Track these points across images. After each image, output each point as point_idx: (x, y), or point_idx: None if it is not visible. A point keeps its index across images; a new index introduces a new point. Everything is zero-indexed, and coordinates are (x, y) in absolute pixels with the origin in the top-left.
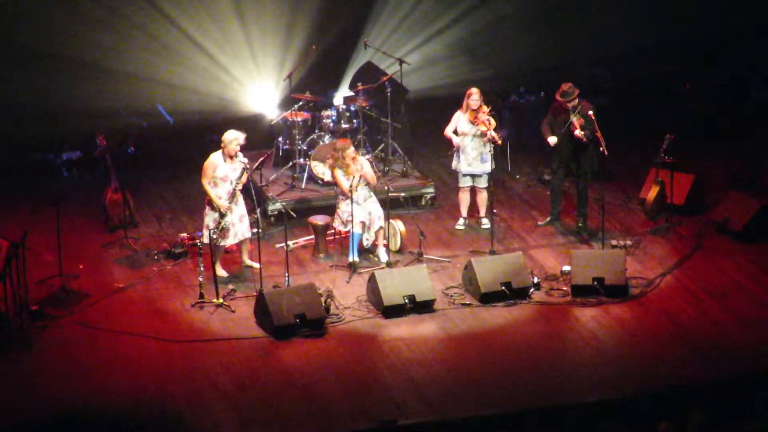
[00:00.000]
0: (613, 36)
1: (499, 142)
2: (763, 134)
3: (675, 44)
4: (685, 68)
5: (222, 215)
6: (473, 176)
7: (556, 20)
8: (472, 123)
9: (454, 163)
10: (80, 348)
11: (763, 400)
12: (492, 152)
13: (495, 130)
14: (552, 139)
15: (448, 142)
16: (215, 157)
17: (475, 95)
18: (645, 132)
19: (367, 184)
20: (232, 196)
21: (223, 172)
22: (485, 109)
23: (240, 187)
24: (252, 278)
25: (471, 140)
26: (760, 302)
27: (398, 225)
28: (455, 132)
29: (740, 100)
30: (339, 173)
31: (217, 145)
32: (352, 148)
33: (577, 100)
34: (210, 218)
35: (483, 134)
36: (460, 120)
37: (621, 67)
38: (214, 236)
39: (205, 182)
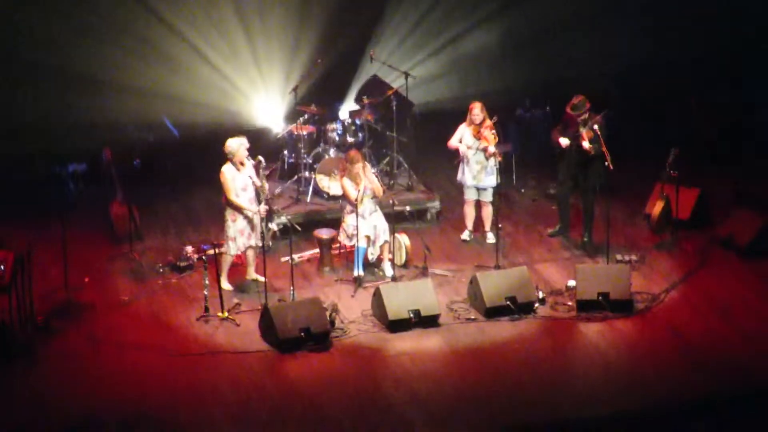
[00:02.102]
0: (621, 50)
1: (500, 158)
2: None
3: (682, 60)
4: (692, 85)
5: (260, 219)
6: (478, 189)
7: (563, 33)
8: (476, 137)
9: (459, 176)
10: (85, 360)
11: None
12: (497, 166)
13: (497, 145)
14: (564, 140)
15: (454, 153)
16: (229, 170)
17: (476, 109)
18: (650, 146)
19: (374, 196)
20: (260, 199)
21: (242, 181)
22: (488, 123)
23: (266, 186)
24: (257, 292)
25: (475, 154)
26: (765, 318)
27: (403, 239)
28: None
29: (746, 117)
30: (347, 182)
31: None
32: (360, 164)
33: (587, 114)
34: (233, 229)
35: (484, 149)
36: (464, 134)
37: (628, 81)
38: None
39: (232, 196)
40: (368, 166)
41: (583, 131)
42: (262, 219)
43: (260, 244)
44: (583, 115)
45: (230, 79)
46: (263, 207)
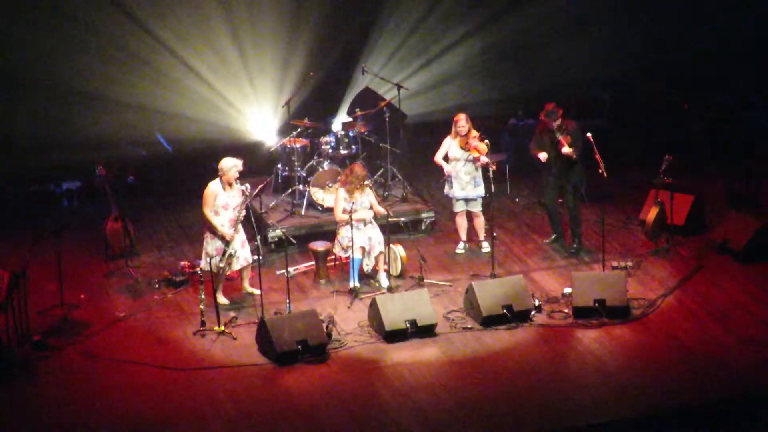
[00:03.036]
0: (612, 57)
1: (494, 167)
2: (761, 154)
3: (673, 65)
4: (683, 89)
5: (227, 243)
6: (467, 200)
7: (554, 42)
8: (463, 149)
9: (446, 189)
10: (83, 377)
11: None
12: (492, 176)
13: (488, 154)
14: (543, 155)
15: (441, 169)
16: (215, 186)
17: (462, 121)
18: (644, 153)
19: (373, 215)
20: (236, 224)
21: (224, 200)
22: (474, 133)
23: (243, 214)
24: (253, 305)
25: (463, 165)
26: (762, 322)
27: (399, 250)
28: (446, 158)
29: (738, 120)
30: (341, 193)
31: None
32: (365, 182)
33: (561, 120)
34: (212, 246)
35: (476, 160)
36: (450, 146)
37: (620, 88)
38: (222, 265)
39: (207, 211)
40: (370, 193)
41: (560, 137)
42: (228, 242)
43: (242, 264)
44: (556, 121)
45: (223, 94)
46: (228, 232)
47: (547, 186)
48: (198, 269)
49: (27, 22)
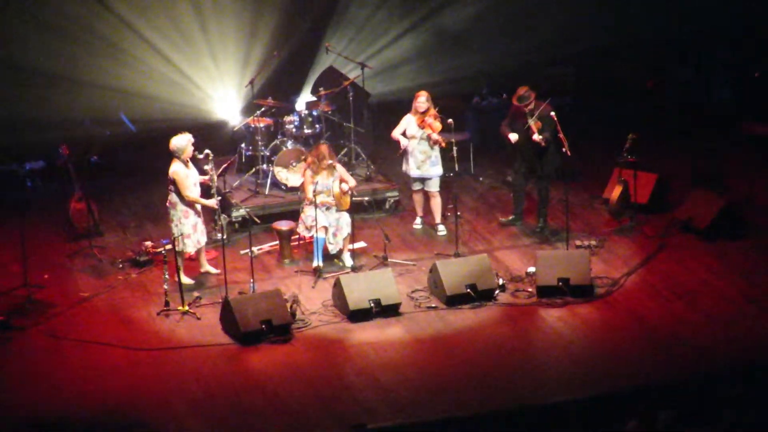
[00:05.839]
0: (575, 35)
1: (444, 144)
2: (725, 133)
3: (637, 43)
4: (647, 67)
5: (212, 212)
6: (423, 180)
7: (518, 20)
8: (420, 126)
9: (403, 167)
10: (47, 358)
11: (727, 400)
12: (455, 154)
13: (442, 132)
14: (513, 136)
15: (397, 144)
16: (180, 168)
17: (422, 98)
18: (608, 131)
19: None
20: (208, 192)
21: (193, 177)
22: (433, 111)
23: (215, 180)
24: (217, 285)
25: (418, 143)
26: (726, 299)
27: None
28: (404, 134)
29: (702, 99)
30: (308, 174)
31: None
32: (328, 160)
33: (533, 104)
34: (188, 226)
35: (429, 137)
36: (409, 123)
37: (583, 65)
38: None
39: (188, 193)
40: (338, 175)
41: (532, 122)
42: (215, 211)
43: (204, 242)
44: (529, 105)
45: (187, 74)
46: (215, 200)
47: (516, 166)
48: (184, 251)
49: None
